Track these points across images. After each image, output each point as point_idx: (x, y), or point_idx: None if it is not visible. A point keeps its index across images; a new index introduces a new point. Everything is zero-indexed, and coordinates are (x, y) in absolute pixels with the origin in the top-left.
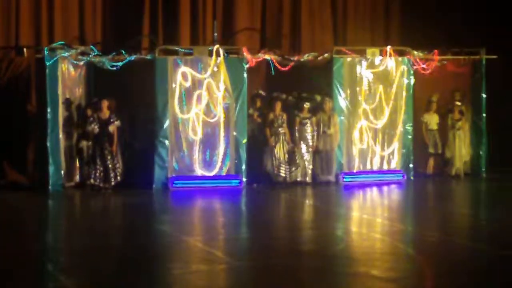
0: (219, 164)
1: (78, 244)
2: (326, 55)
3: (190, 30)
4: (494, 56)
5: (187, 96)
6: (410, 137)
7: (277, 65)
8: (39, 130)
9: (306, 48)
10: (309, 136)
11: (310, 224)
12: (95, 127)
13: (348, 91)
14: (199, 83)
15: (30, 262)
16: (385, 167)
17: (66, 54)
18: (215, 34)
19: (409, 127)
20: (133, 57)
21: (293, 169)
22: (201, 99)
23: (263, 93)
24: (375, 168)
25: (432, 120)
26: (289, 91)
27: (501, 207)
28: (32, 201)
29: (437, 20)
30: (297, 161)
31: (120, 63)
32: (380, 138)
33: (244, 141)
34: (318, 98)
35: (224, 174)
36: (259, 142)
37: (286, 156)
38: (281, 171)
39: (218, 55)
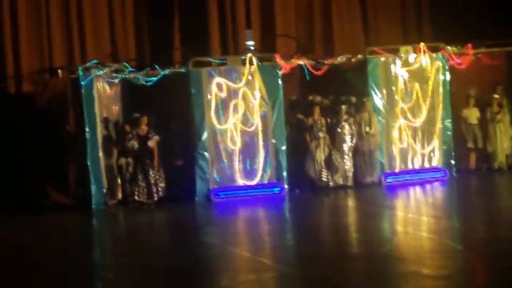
0: (260, 173)
1: (126, 260)
2: (359, 56)
3: (219, 40)
4: None
5: (223, 106)
6: (449, 133)
7: (311, 69)
8: (78, 150)
9: (339, 50)
10: (348, 139)
11: (356, 227)
12: (134, 144)
13: (384, 91)
14: (234, 92)
15: (78, 280)
16: (427, 165)
17: (100, 72)
18: (250, 43)
19: (448, 123)
20: (167, 71)
21: (334, 173)
22: (237, 108)
23: (299, 98)
24: (416, 166)
25: (472, 114)
26: (325, 95)
27: None
28: (76, 221)
29: (469, 13)
30: (337, 165)
31: (154, 78)
32: (419, 136)
33: (284, 147)
34: (354, 99)
35: (265, 182)
36: (300, 148)
37: (327, 160)
38: (323, 175)
39: (251, 63)
